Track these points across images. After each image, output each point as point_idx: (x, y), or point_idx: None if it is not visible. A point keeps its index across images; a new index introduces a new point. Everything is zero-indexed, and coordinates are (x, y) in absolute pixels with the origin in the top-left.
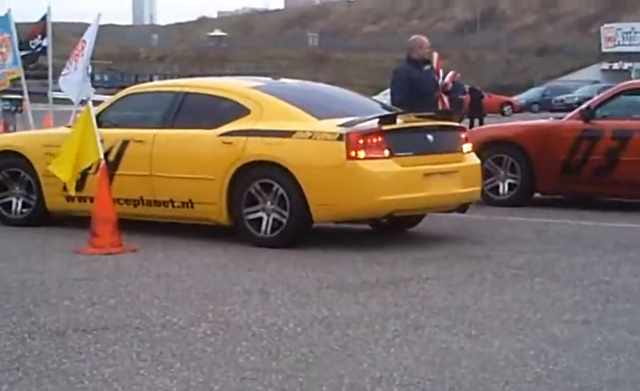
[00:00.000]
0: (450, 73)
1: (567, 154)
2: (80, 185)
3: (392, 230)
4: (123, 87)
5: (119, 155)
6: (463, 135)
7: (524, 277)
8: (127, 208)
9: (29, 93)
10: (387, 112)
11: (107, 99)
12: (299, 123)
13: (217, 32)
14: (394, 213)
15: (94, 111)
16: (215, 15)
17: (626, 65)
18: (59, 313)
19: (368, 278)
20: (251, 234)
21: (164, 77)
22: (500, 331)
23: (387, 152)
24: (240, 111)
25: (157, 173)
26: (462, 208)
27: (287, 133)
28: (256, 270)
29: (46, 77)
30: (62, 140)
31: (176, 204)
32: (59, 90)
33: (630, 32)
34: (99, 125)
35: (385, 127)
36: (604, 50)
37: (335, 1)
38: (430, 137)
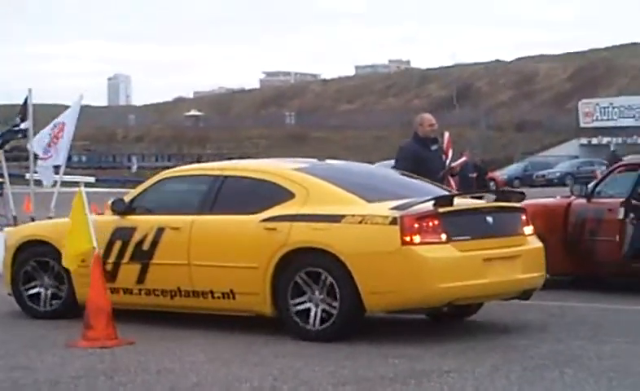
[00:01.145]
0: (463, 158)
1: (571, 234)
2: (111, 276)
3: (449, 319)
4: (101, 168)
5: (154, 244)
6: (524, 217)
7: (552, 368)
8: (163, 299)
9: (9, 176)
10: (442, 193)
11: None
12: (348, 206)
13: (194, 112)
14: (453, 301)
15: (127, 196)
16: (191, 95)
17: (605, 140)
18: None
19: (385, 372)
20: (299, 326)
21: (143, 157)
22: None
23: (444, 236)
24: (284, 194)
25: (196, 261)
26: (525, 295)
27: (336, 218)
28: (264, 364)
29: (25, 159)
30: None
31: (216, 295)
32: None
33: (608, 108)
34: (132, 212)
35: (441, 209)
36: (582, 125)
37: (310, 80)
38: (489, 219)
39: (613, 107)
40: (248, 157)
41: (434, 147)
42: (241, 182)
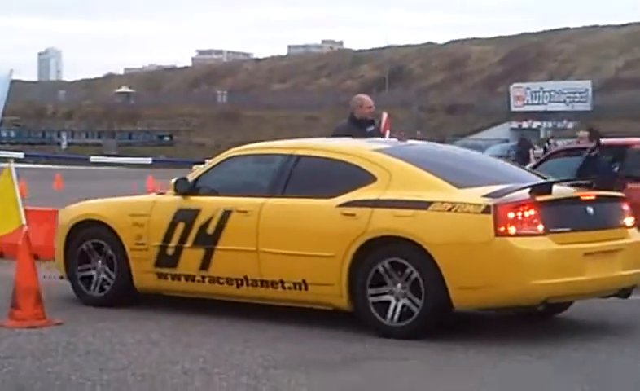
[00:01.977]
0: (393, 138)
1: None
2: (173, 261)
3: (540, 317)
4: (30, 144)
5: (219, 228)
6: (626, 207)
7: (511, 354)
8: (228, 288)
9: None
10: (538, 180)
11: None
12: (435, 192)
13: (124, 89)
14: (549, 299)
15: (192, 175)
16: (122, 72)
17: (535, 124)
18: None
19: (319, 356)
20: (376, 320)
21: (72, 134)
22: None
23: (541, 228)
24: (364, 178)
25: (265, 248)
26: (624, 292)
27: (422, 205)
28: (194, 346)
29: None
30: (150, 208)
31: (286, 285)
32: None
33: (539, 92)
34: (196, 192)
35: (539, 198)
36: (513, 109)
37: (242, 59)
38: (590, 209)
39: (544, 92)
40: (180, 134)
41: (370, 129)
42: (316, 162)
